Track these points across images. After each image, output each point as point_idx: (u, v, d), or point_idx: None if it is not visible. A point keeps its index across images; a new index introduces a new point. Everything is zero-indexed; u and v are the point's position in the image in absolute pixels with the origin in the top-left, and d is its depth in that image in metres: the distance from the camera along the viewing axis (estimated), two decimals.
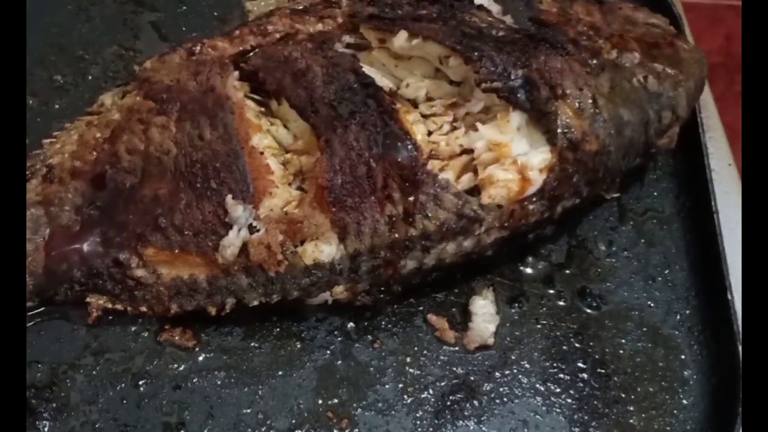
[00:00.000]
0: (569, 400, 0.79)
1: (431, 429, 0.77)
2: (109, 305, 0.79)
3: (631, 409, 0.79)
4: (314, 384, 0.79)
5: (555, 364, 0.81)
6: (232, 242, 0.75)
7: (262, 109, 0.83)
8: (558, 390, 0.80)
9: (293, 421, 0.77)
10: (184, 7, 1.02)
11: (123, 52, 0.98)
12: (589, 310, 0.84)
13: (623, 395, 0.80)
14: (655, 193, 0.92)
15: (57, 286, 0.78)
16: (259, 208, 0.76)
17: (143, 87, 0.83)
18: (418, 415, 0.78)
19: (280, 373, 0.79)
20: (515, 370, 0.80)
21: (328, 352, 0.80)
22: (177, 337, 0.80)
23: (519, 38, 0.81)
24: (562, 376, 0.80)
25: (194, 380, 0.78)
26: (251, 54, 0.84)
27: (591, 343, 0.82)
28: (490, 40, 0.80)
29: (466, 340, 0.82)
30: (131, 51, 0.98)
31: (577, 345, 0.82)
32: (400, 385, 0.79)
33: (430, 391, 0.79)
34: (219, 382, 0.78)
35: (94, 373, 0.78)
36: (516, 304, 0.84)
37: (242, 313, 0.79)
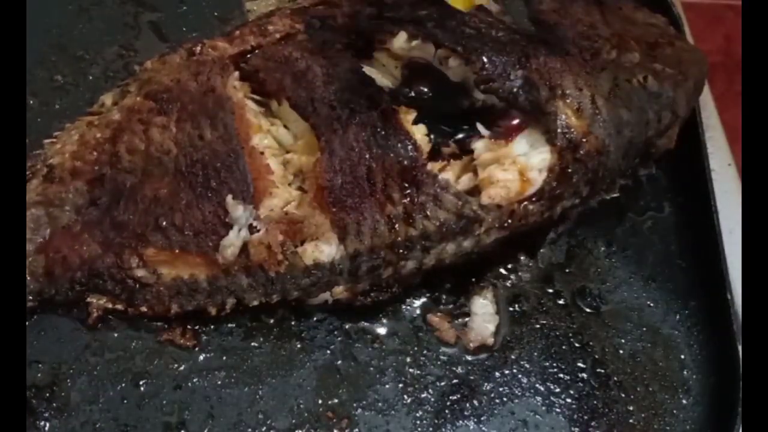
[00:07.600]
0: (569, 400, 0.79)
1: (431, 429, 0.77)
2: (109, 305, 0.79)
3: (631, 409, 0.79)
4: (314, 384, 0.79)
5: (555, 364, 0.81)
6: (232, 242, 0.75)
7: (262, 109, 0.83)
8: (558, 390, 0.80)
9: (293, 421, 0.77)
10: (184, 7, 1.02)
11: (123, 52, 0.98)
12: (588, 310, 0.84)
13: (623, 395, 0.80)
14: (655, 193, 0.92)
15: (57, 286, 0.78)
16: (260, 208, 0.76)
17: (143, 87, 0.83)
18: (418, 414, 0.78)
19: (280, 373, 0.79)
20: (515, 370, 0.80)
21: (328, 352, 0.80)
22: (177, 337, 0.80)
23: (519, 38, 0.81)
24: (562, 376, 0.80)
25: (194, 380, 0.78)
26: (251, 54, 0.84)
27: (591, 343, 0.82)
28: (489, 41, 0.80)
29: (466, 340, 0.82)
30: (131, 51, 0.98)
31: (576, 345, 0.82)
32: (400, 385, 0.79)
33: (430, 391, 0.79)
34: (219, 382, 0.78)
35: (94, 373, 0.78)
36: (516, 304, 0.84)
37: (242, 313, 0.79)
